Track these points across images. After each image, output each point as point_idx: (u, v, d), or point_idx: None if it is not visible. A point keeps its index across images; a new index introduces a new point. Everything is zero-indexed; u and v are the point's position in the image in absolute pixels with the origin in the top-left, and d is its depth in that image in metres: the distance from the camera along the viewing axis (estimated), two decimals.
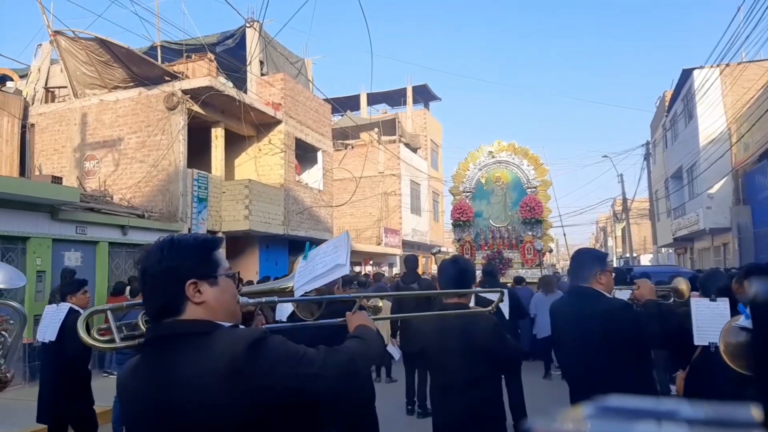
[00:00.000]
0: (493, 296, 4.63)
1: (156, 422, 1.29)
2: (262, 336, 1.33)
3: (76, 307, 4.71)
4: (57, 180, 10.01)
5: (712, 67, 17.66)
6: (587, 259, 2.99)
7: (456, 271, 3.09)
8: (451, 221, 13.93)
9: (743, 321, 3.24)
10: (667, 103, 25.72)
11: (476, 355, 2.95)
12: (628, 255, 30.50)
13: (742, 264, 15.83)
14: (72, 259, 10.01)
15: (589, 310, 2.80)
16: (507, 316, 5.65)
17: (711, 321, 3.65)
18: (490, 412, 3.05)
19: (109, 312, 1.56)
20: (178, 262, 1.38)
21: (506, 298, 5.52)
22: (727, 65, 17.32)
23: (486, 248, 13.27)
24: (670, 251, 31.10)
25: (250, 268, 14.91)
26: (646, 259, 37.04)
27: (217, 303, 1.41)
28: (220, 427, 1.25)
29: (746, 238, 18.26)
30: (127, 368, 1.45)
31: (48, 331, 4.54)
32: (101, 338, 1.53)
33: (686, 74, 21.18)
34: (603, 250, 60.90)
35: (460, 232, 13.62)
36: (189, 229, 12.66)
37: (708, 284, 3.73)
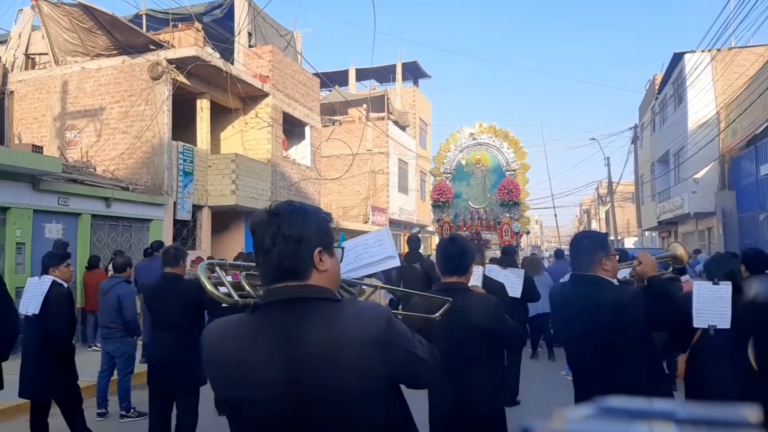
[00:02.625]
0: (505, 277, 4.62)
1: (286, 382, 1.29)
2: (392, 312, 1.40)
3: (59, 281, 4.61)
4: (37, 149, 9.72)
5: (703, 51, 17.61)
6: (589, 246, 2.82)
7: (457, 251, 2.99)
8: (431, 202, 14.18)
9: None
10: (656, 87, 25.71)
11: (476, 335, 2.86)
12: (612, 238, 30.75)
13: (726, 248, 16.00)
14: (53, 231, 9.77)
15: (599, 300, 2.68)
16: (519, 295, 5.64)
17: (711, 304, 3.61)
18: (488, 393, 2.98)
19: (218, 267, 1.60)
20: (311, 228, 1.41)
21: (520, 278, 5.54)
22: (719, 50, 17.29)
23: (465, 229, 13.53)
24: (654, 234, 31.42)
25: (236, 244, 14.75)
26: (630, 242, 37.38)
27: (334, 273, 1.46)
28: (355, 391, 1.29)
29: (730, 223, 18.43)
30: (228, 329, 1.41)
31: (31, 303, 4.44)
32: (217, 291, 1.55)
33: (677, 58, 21.12)
34: None
35: (439, 213, 13.85)
36: (174, 203, 12.43)
37: (714, 268, 3.68)
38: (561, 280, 4.47)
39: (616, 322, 2.61)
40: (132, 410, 5.95)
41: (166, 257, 4.58)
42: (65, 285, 4.68)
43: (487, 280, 4.18)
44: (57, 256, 4.90)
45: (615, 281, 2.81)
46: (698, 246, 19.76)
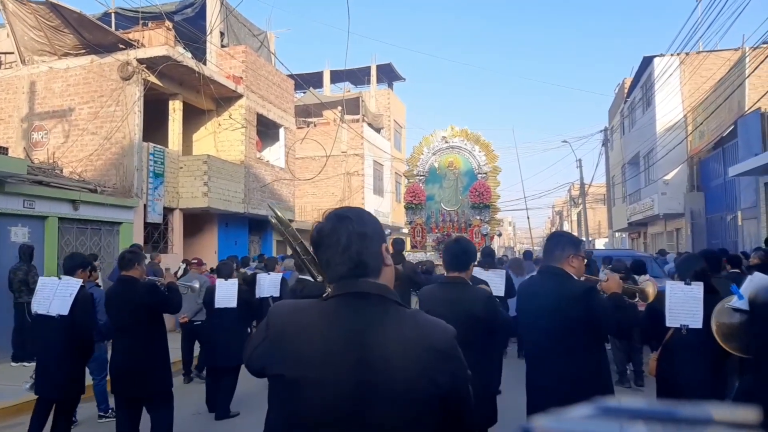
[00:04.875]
0: (488, 278, 4.94)
1: (356, 367, 1.34)
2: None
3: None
4: (3, 151, 9.45)
5: (672, 55, 17.97)
6: (562, 242, 3.12)
7: (459, 250, 3.42)
8: (404, 204, 14.44)
9: (736, 302, 3.25)
10: (626, 90, 26.17)
11: (471, 321, 3.16)
12: (583, 239, 31.18)
13: (694, 249, 16.35)
14: (19, 234, 9.49)
15: (557, 289, 2.91)
16: (502, 294, 6.00)
17: (683, 304, 3.67)
18: (479, 374, 3.09)
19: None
20: (376, 226, 1.52)
21: (502, 279, 5.87)
22: (687, 54, 17.66)
23: (436, 231, 13.77)
24: (624, 236, 31.96)
25: (209, 247, 14.55)
26: (600, 243, 37.97)
27: (393, 269, 1.54)
28: (417, 390, 1.33)
29: (698, 223, 18.84)
30: (301, 308, 1.48)
31: (54, 304, 4.45)
32: None
33: (647, 61, 21.53)
34: None
35: (411, 215, 14.16)
36: (144, 206, 12.21)
37: (684, 268, 3.73)
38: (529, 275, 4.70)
39: (566, 313, 2.83)
40: (110, 411, 5.92)
41: (121, 261, 4.64)
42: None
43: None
44: (86, 259, 5.08)
45: (577, 278, 3.04)
46: (666, 247, 20.17)
